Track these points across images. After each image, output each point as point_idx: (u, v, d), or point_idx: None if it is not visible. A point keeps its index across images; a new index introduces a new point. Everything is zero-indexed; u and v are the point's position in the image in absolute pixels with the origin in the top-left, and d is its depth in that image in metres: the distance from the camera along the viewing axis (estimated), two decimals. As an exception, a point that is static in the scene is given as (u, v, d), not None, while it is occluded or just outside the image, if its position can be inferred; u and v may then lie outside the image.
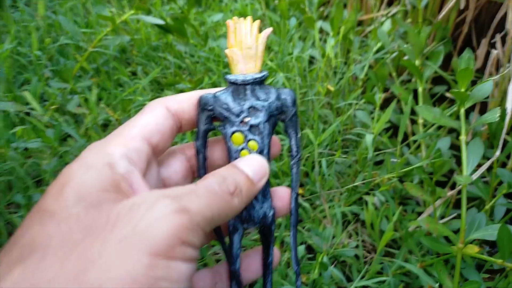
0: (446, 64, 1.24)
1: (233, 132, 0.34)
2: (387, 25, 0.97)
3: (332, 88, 0.88)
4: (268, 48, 1.00)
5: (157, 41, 1.03)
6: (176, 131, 0.34)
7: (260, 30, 0.35)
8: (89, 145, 0.29)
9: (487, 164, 0.57)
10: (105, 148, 0.28)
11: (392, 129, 0.85)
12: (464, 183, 0.49)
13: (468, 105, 0.57)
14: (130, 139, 0.29)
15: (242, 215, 0.35)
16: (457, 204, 0.73)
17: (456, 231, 0.63)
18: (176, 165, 0.35)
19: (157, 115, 0.31)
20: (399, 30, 1.12)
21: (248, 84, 0.33)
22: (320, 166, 0.70)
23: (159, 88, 0.98)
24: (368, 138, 0.69)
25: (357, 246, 0.67)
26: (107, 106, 0.84)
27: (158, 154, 0.33)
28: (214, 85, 0.90)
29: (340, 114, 0.88)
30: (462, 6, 1.11)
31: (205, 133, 0.35)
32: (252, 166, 0.31)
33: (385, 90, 1.01)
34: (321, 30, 1.15)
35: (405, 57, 0.91)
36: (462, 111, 0.57)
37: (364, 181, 0.69)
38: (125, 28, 1.04)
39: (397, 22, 1.03)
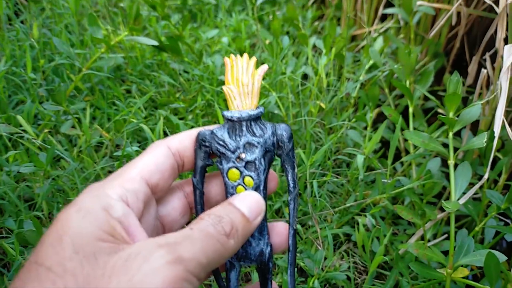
0: (439, 78, 1.25)
1: (229, 168, 0.34)
2: (379, 43, 0.98)
3: (324, 106, 0.89)
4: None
5: (151, 59, 1.03)
6: (178, 170, 0.34)
7: (257, 66, 0.36)
8: (86, 187, 0.29)
9: (475, 187, 0.58)
10: (102, 191, 0.29)
11: (384, 148, 0.85)
12: (452, 210, 0.50)
13: (456, 128, 0.58)
14: (128, 180, 0.30)
15: (238, 252, 0.35)
16: (449, 221, 0.74)
17: (446, 253, 0.63)
18: (174, 202, 0.36)
19: (158, 155, 0.32)
20: (391, 46, 1.13)
21: (244, 120, 0.34)
22: (312, 187, 0.70)
23: (153, 106, 0.99)
24: (359, 159, 0.69)
25: (349, 268, 0.67)
26: (100, 126, 0.85)
27: (158, 193, 0.33)
28: (208, 104, 0.90)
29: (332, 131, 0.89)
30: (454, 22, 1.12)
31: (203, 169, 0.35)
32: (248, 203, 0.31)
33: (378, 105, 1.02)
34: (314, 46, 1.16)
35: (395, 76, 0.92)
36: (451, 135, 0.57)
37: (356, 202, 0.70)
38: (119, 45, 1.05)
39: (389, 38, 1.04)
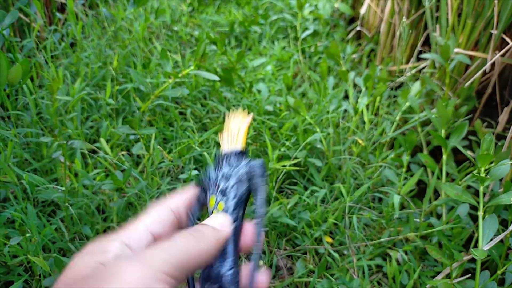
0: (470, 119, 1.31)
1: (210, 196, 0.38)
2: (416, 87, 1.06)
3: (363, 143, 0.97)
4: (307, 106, 1.10)
5: (204, 85, 1.14)
6: (176, 225, 0.37)
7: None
8: (83, 248, 0.31)
9: (501, 236, 0.65)
10: (99, 248, 0.30)
11: (417, 187, 0.93)
12: (479, 258, 0.57)
13: (487, 183, 0.66)
14: (132, 230, 0.33)
15: (204, 273, 0.36)
16: (474, 259, 0.81)
17: (470, 292, 0.71)
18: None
19: (159, 210, 0.36)
20: (427, 88, 1.21)
21: (224, 156, 0.39)
22: (351, 223, 0.79)
23: (203, 129, 1.09)
24: (395, 199, 0.77)
25: (379, 296, 0.75)
26: (159, 145, 0.95)
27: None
28: (257, 138, 1.00)
29: (369, 167, 0.97)
30: (487, 70, 1.19)
31: (200, 205, 0.39)
32: (217, 220, 0.35)
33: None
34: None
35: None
36: (481, 189, 0.65)
37: (389, 238, 0.78)
38: (177, 71, 1.16)
39: (425, 81, 1.12)
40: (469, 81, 1.02)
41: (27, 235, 0.62)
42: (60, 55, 1.12)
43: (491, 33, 1.21)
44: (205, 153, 0.83)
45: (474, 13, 1.22)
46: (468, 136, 1.21)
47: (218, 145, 0.94)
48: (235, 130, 0.41)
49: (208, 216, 0.37)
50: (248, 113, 0.43)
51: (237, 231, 0.37)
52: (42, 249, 0.72)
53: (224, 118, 1.05)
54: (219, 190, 0.38)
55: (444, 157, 0.81)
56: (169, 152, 0.98)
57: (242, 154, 0.40)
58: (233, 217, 0.37)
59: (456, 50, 1.15)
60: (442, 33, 1.29)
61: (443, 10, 1.28)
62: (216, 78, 0.89)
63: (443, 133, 0.84)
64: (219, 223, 0.35)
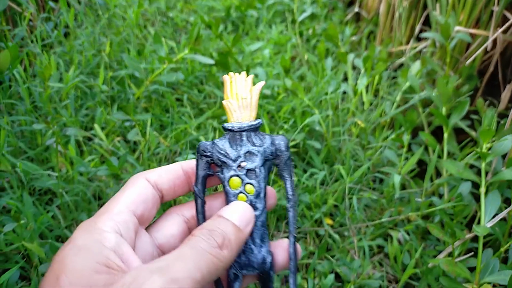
0: (472, 98, 1.29)
1: (231, 177, 0.35)
2: (416, 66, 1.04)
3: (362, 124, 0.95)
4: (306, 89, 1.08)
5: (201, 71, 1.12)
6: (158, 201, 0.35)
7: (254, 83, 0.38)
8: (79, 224, 0.31)
9: (503, 213, 0.64)
10: (95, 226, 0.30)
11: (418, 168, 0.91)
12: (481, 234, 0.56)
13: (489, 159, 0.64)
14: (117, 214, 0.32)
15: (241, 260, 0.34)
16: (477, 238, 0.80)
17: (472, 269, 0.70)
18: (173, 229, 0.36)
19: (139, 187, 0.34)
20: (427, 67, 1.19)
21: (244, 131, 0.35)
22: (351, 204, 0.78)
23: (200, 114, 1.07)
24: (396, 179, 0.76)
25: (381, 277, 0.74)
26: (157, 133, 0.94)
27: (145, 222, 0.35)
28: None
29: (369, 148, 0.96)
30: (489, 48, 1.17)
31: (204, 179, 0.36)
32: (237, 213, 0.32)
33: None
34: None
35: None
36: (483, 165, 0.64)
37: (390, 218, 0.77)
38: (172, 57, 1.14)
39: (426, 61, 1.10)
40: (470, 59, 0.99)
41: (22, 221, 0.61)
42: (54, 43, 1.10)
43: (492, 11, 1.19)
44: (201, 138, 0.82)
45: (475, -11, 1.19)
46: (470, 115, 1.20)
47: (215, 129, 0.93)
48: (246, 97, 0.36)
49: (228, 199, 0.35)
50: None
51: (265, 216, 0.35)
52: (39, 237, 0.72)
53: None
54: (244, 170, 0.35)
55: (445, 135, 0.80)
56: (165, 138, 0.97)
57: (259, 127, 0.36)
58: (264, 202, 0.35)
59: (456, 28, 1.12)
60: (442, 12, 1.26)
61: (443, -13, 1.25)
62: (212, 61, 0.88)
63: (444, 111, 0.82)
64: (243, 218, 0.33)
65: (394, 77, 1.27)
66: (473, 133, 1.08)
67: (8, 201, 0.68)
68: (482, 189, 0.62)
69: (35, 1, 1.22)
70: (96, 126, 0.78)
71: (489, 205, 0.61)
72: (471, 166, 0.94)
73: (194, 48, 0.84)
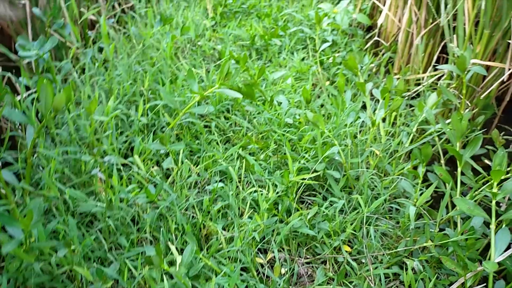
0: (488, 126, 1.33)
1: None
2: (433, 98, 1.09)
3: (380, 154, 1.01)
4: (326, 116, 1.14)
5: (228, 100, 1.20)
6: None
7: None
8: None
9: (513, 249, 0.68)
10: None
11: (434, 192, 0.96)
12: (490, 270, 0.61)
13: (499, 197, 0.69)
14: None
15: None
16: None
17: (485, 300, 0.74)
18: None
19: None
20: (443, 97, 1.23)
21: None
22: (368, 232, 0.83)
23: (226, 140, 1.15)
24: (411, 211, 0.81)
25: (396, 304, 0.79)
26: (188, 160, 1.01)
27: None
28: (278, 150, 1.05)
29: (386, 177, 1.01)
30: (505, 79, 1.21)
31: None
32: None
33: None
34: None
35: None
36: (493, 203, 0.68)
37: (406, 247, 0.81)
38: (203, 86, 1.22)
39: (442, 91, 1.15)
40: (486, 92, 1.04)
41: (72, 247, 0.69)
42: (94, 74, 1.20)
43: (509, 43, 1.23)
44: (230, 168, 0.89)
45: (492, 23, 1.24)
46: (486, 145, 1.23)
47: (241, 158, 1.00)
48: None
49: None
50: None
51: None
52: (82, 258, 0.79)
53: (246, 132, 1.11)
54: None
55: (459, 169, 0.84)
56: (195, 165, 1.04)
57: None
58: None
59: (472, 61, 1.17)
60: (460, 43, 1.31)
61: (460, 20, 1.30)
62: (239, 95, 0.95)
63: (458, 145, 0.87)
64: None
65: (411, 106, 1.32)
66: (488, 162, 1.12)
67: (57, 226, 0.76)
68: (492, 226, 0.67)
69: (79, 33, 1.33)
70: (135, 157, 0.86)
71: (499, 242, 0.66)
72: (487, 195, 0.97)
73: (225, 84, 0.92)
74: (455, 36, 1.34)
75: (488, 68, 1.28)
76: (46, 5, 1.36)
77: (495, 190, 0.67)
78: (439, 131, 1.05)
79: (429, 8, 1.49)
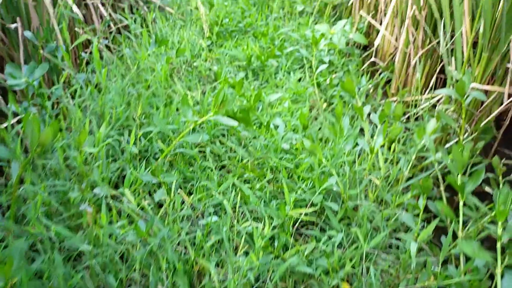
0: (487, 148, 1.30)
1: None
2: (432, 124, 1.06)
3: (379, 183, 0.98)
4: (324, 144, 1.12)
5: (223, 125, 1.17)
6: None
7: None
8: None
9: (520, 293, 0.65)
10: None
11: (434, 232, 0.93)
12: (497, 320, 0.58)
13: (504, 238, 0.66)
14: None
15: None
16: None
17: None
18: None
19: None
20: (443, 121, 1.21)
21: None
22: (368, 269, 0.80)
23: (221, 166, 1.12)
24: (412, 247, 0.78)
25: None
26: (181, 188, 0.98)
27: None
28: (274, 178, 1.02)
29: (385, 207, 0.98)
30: (505, 103, 1.19)
31: None
32: None
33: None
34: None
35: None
36: (499, 245, 0.65)
37: (407, 286, 0.78)
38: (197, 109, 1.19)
39: (441, 116, 1.12)
40: (486, 120, 1.02)
41: (56, 290, 0.65)
42: (87, 98, 1.17)
43: (507, 68, 1.21)
44: (225, 202, 0.86)
45: (490, 46, 1.22)
46: (486, 171, 1.20)
47: (237, 189, 0.97)
48: None
49: None
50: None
51: None
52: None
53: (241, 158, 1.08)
54: None
55: (461, 202, 0.81)
56: (189, 193, 1.01)
57: None
58: None
59: (472, 85, 1.15)
60: (458, 66, 1.29)
61: (458, 42, 1.29)
62: (235, 123, 0.92)
63: (459, 179, 0.84)
64: None
65: (410, 130, 1.30)
66: (488, 190, 1.09)
67: (42, 266, 0.73)
68: (498, 270, 0.64)
69: (72, 55, 1.31)
70: (126, 191, 0.82)
71: (505, 284, 0.63)
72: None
73: (219, 112, 0.90)
74: (453, 58, 1.33)
75: (487, 91, 1.26)
76: (39, 27, 1.34)
77: (499, 231, 0.64)
78: (440, 161, 1.02)
79: (426, 30, 1.48)
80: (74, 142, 0.90)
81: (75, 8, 1.25)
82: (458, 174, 0.84)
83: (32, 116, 0.66)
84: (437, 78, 1.56)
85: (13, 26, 1.18)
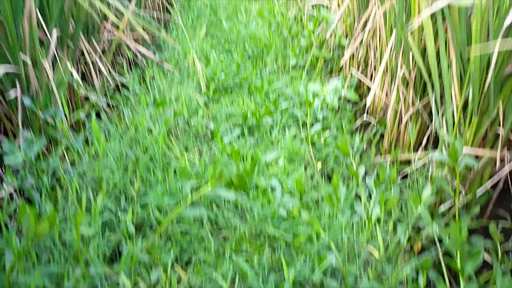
0: (483, 211, 1.32)
1: None
2: (427, 192, 1.08)
3: (377, 255, 0.98)
4: (320, 208, 1.12)
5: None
6: None
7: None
8: None
9: None
10: None
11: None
12: None
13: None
14: None
15: None
16: None
17: None
18: None
19: None
20: (437, 184, 1.22)
21: None
22: None
23: (219, 234, 1.11)
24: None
25: None
26: (178, 266, 0.97)
27: None
28: (272, 248, 1.01)
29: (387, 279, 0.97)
30: (497, 169, 1.21)
31: None
32: None
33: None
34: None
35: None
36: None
37: None
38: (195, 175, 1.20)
39: (435, 180, 1.14)
40: (480, 187, 1.03)
41: None
42: (84, 164, 1.17)
43: (498, 134, 1.24)
44: (223, 284, 0.85)
45: (479, 111, 1.26)
46: (482, 229, 1.22)
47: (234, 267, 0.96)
48: None
49: None
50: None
51: None
52: None
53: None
54: None
55: (462, 283, 0.82)
56: (186, 263, 1.00)
57: None
58: None
59: (465, 149, 1.18)
60: (449, 128, 1.32)
61: (448, 105, 1.32)
62: (232, 197, 0.93)
63: (459, 258, 0.84)
64: None
65: (404, 193, 1.31)
66: (489, 259, 1.09)
67: None
68: None
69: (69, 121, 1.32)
70: (123, 278, 0.81)
71: None
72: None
73: (216, 185, 0.90)
74: (444, 120, 1.36)
75: (477, 156, 1.29)
76: (38, 89, 1.35)
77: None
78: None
79: (416, 88, 1.53)
80: (70, 220, 0.90)
81: (75, 74, 1.27)
82: (457, 254, 0.84)
83: (28, 212, 0.66)
84: (430, 133, 1.59)
85: (12, 95, 1.20)
